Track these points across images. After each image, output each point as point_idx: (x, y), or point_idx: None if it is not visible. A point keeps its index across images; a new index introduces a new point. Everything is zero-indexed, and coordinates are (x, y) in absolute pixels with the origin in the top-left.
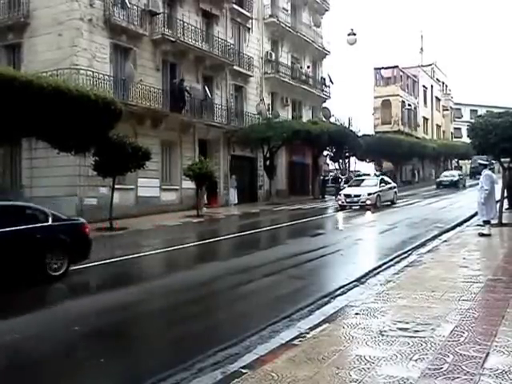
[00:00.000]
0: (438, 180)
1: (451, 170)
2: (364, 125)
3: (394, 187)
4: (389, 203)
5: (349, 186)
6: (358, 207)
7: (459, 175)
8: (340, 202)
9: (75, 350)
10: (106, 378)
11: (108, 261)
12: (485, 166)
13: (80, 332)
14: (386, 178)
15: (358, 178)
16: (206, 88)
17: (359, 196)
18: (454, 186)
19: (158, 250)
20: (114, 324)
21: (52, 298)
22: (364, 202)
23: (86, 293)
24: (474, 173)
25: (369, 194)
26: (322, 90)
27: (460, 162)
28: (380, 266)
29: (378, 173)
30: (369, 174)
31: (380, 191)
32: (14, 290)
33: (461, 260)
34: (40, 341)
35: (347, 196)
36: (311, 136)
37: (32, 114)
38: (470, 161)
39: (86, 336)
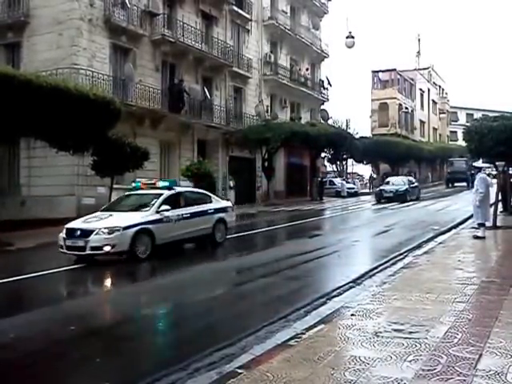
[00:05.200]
0: (378, 190)
1: (401, 175)
2: (361, 127)
3: (223, 210)
4: (206, 242)
5: (106, 210)
6: (97, 258)
7: (410, 183)
8: (59, 247)
9: (71, 350)
10: (102, 378)
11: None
12: (479, 170)
13: (76, 332)
14: (196, 193)
15: (139, 192)
16: (205, 89)
17: (89, 234)
18: (401, 198)
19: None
20: (111, 323)
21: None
22: (98, 247)
23: (81, 290)
24: (452, 179)
25: (110, 232)
26: (321, 93)
27: None
28: (376, 268)
29: (180, 179)
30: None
31: (152, 222)
32: None
33: (456, 262)
34: (35, 341)
35: (70, 234)
36: (309, 138)
37: (31, 113)
38: (446, 165)
39: (83, 336)
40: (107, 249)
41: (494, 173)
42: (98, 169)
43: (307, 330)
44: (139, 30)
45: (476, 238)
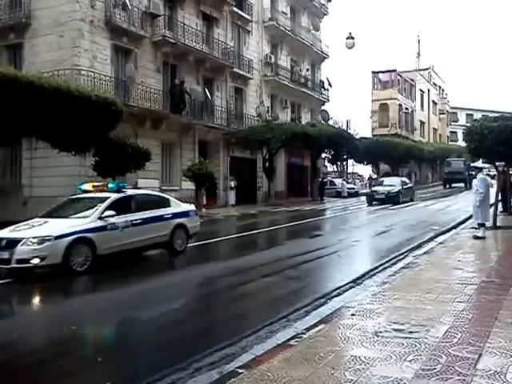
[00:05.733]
0: (370, 191)
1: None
2: (362, 128)
3: (184, 215)
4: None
5: (44, 216)
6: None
7: (403, 184)
8: None
9: (73, 350)
10: (102, 378)
11: None
12: (480, 170)
13: (78, 331)
14: (151, 196)
15: (85, 196)
16: (206, 90)
17: (14, 245)
18: (394, 200)
19: (158, 251)
20: (112, 324)
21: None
22: (25, 260)
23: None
24: (449, 180)
25: (40, 242)
26: (321, 93)
27: None
28: (376, 268)
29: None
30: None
31: (92, 229)
32: None
33: (456, 262)
34: (37, 340)
35: None
36: (310, 138)
37: (33, 114)
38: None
39: (84, 335)
40: (35, 261)
41: (493, 173)
42: (99, 169)
43: (308, 329)
44: (140, 31)
45: (476, 238)
